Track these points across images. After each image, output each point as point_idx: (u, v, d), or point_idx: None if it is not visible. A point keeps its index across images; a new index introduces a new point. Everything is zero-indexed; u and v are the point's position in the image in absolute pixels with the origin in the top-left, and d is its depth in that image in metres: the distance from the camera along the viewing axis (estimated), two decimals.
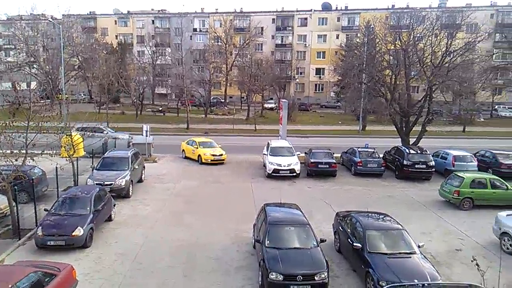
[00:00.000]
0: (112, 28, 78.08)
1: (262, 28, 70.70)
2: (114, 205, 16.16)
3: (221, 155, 26.32)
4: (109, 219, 15.56)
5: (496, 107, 60.89)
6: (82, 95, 59.98)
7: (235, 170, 24.62)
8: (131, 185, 18.98)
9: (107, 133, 31.92)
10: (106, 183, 17.74)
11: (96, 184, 17.32)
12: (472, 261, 9.65)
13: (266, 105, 60.05)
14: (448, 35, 27.05)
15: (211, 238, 14.16)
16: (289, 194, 19.36)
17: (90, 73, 53.82)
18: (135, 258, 12.62)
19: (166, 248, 13.38)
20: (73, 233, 12.70)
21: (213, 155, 26.10)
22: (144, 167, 22.37)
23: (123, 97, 61.80)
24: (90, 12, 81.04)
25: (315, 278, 10.09)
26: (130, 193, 18.82)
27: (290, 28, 73.71)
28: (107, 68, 46.16)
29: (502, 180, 18.63)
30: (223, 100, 67.71)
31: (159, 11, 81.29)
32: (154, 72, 62.79)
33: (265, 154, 24.66)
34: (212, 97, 63.59)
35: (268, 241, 11.12)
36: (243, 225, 15.01)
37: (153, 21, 77.06)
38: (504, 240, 13.60)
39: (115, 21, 78.92)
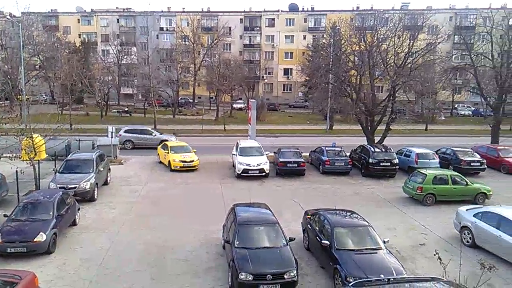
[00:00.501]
0: (75, 27, 75.67)
1: (230, 28, 70.57)
2: (79, 209, 15.66)
3: (192, 161, 24.30)
4: (74, 223, 15.07)
5: (456, 106, 63.48)
6: (44, 96, 57.74)
7: (204, 171, 24.43)
8: (96, 188, 18.46)
9: (155, 135, 32.31)
10: (69, 186, 17.18)
11: (59, 187, 16.73)
12: (434, 254, 10.05)
13: (235, 105, 60.01)
14: (410, 37, 27.95)
15: (179, 240, 13.99)
16: (258, 193, 19.38)
17: (52, 73, 52.01)
18: (101, 263, 12.29)
19: (134, 251, 13.10)
20: (35, 239, 12.21)
21: (183, 161, 24.11)
22: (109, 169, 21.82)
23: (87, 97, 60.05)
24: (51, 10, 78.27)
25: (285, 276, 10.17)
26: (95, 197, 18.30)
27: (258, 28, 73.99)
28: (70, 68, 44.66)
29: (462, 176, 19.45)
30: (191, 100, 67.08)
31: (124, 9, 79.54)
32: (119, 71, 61.34)
33: (234, 154, 24.62)
34: (180, 97, 62.88)
35: (237, 242, 11.11)
36: (212, 226, 14.91)
37: (118, 19, 75.26)
38: (464, 234, 14.19)
39: (78, 19, 76.51)
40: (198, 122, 45.56)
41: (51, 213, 13.29)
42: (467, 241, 13.95)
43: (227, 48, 71.33)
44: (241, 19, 74.12)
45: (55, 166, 20.93)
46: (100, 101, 51.18)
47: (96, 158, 19.85)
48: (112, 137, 26.37)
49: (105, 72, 55.35)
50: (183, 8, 76.10)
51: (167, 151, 25.13)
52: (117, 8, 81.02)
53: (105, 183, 20.69)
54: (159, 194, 19.66)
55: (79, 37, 72.28)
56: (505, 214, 13.14)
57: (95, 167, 19.02)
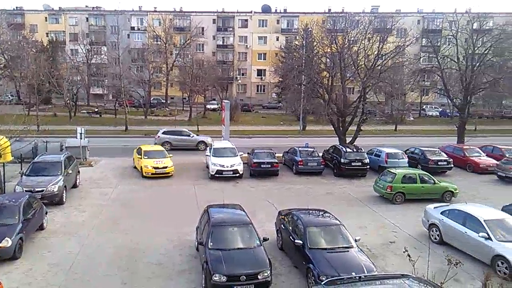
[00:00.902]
0: (42, 25, 73.19)
1: (202, 28, 70.13)
2: (46, 213, 15.16)
3: (166, 167, 22.71)
4: (41, 228, 14.59)
5: (424, 107, 65.46)
6: (9, 96, 55.69)
7: (177, 172, 24.13)
8: (64, 191, 17.93)
9: (192, 136, 32.51)
10: (36, 189, 16.62)
11: (26, 191, 16.18)
12: (404, 252, 10.32)
13: (208, 106, 59.68)
14: (379, 39, 28.58)
15: (152, 243, 13.77)
16: (232, 194, 19.37)
17: (18, 72, 50.13)
18: (70, 267, 11.94)
19: (104, 255, 12.80)
20: (0, 245, 11.74)
21: (156, 167, 22.44)
22: (79, 171, 21.24)
23: (55, 98, 58.21)
24: (16, 7, 75.43)
25: (258, 277, 10.20)
26: (64, 200, 17.78)
27: (231, 29, 73.89)
28: (37, 67, 43.17)
29: (429, 175, 20.06)
30: (164, 101, 66.23)
31: (93, 8, 77.66)
32: (89, 71, 59.95)
33: (208, 155, 24.49)
34: (152, 98, 61.97)
35: (211, 243, 11.05)
36: (185, 228, 14.76)
37: (87, 18, 73.36)
38: (432, 231, 14.62)
39: (46, 17, 74.04)
40: (171, 123, 45.01)
41: (17, 217, 12.82)
42: (435, 238, 14.39)
43: (200, 48, 70.85)
44: (214, 20, 73.81)
45: (21, 169, 20.17)
46: (68, 101, 49.77)
47: (65, 160, 19.30)
48: (81, 139, 25.67)
49: (74, 72, 53.91)
50: (155, 8, 75.03)
51: (140, 156, 23.66)
52: (86, 6, 78.97)
53: (74, 185, 20.15)
54: (130, 197, 19.30)
55: (47, 36, 69.93)
56: (470, 211, 13.64)
57: (63, 170, 18.48)
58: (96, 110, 55.01)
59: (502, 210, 14.89)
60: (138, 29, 72.86)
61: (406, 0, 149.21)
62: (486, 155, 27.26)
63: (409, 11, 71.03)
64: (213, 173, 22.64)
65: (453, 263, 9.93)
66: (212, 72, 57.44)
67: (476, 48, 33.07)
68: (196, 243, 12.66)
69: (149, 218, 16.29)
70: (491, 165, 25.48)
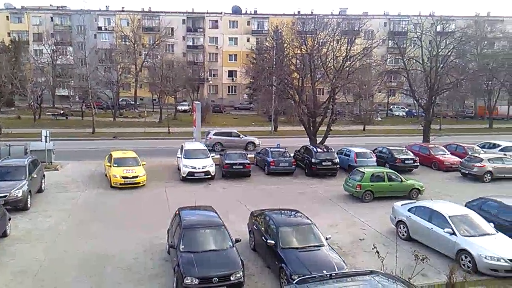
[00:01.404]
0: (4, 24, 70.29)
1: (172, 28, 69.42)
2: (10, 219, 14.56)
3: (136, 177, 20.92)
4: (4, 235, 13.98)
5: (391, 107, 67.31)
6: None
7: (148, 175, 23.61)
8: (29, 196, 17.26)
9: (242, 137, 32.49)
10: None
11: None
12: (373, 249, 10.60)
13: (179, 107, 59.00)
14: (348, 41, 29.18)
15: (121, 247, 13.46)
16: (204, 196, 19.25)
17: None
18: (35, 275, 11.51)
19: (72, 261, 12.42)
20: None
21: (125, 177, 20.73)
22: (44, 175, 20.52)
23: (19, 100, 56.13)
24: None
25: (231, 278, 10.18)
26: (29, 205, 17.11)
27: (201, 29, 73.46)
28: None
29: (397, 174, 20.63)
30: (133, 102, 65.03)
31: (58, 7, 75.27)
32: (54, 72, 57.93)
33: (179, 157, 24.22)
34: (121, 99, 60.77)
35: (182, 246, 10.92)
36: (156, 231, 14.54)
37: (51, 18, 71.16)
38: (400, 228, 15.03)
39: (7, 16, 71.22)
40: (141, 124, 44.30)
41: None
42: (403, 235, 14.79)
43: (169, 49, 70.02)
44: (183, 20, 73.20)
45: None
46: (32, 103, 48.04)
47: (29, 164, 18.58)
48: (46, 142, 24.82)
49: (38, 73, 52.14)
50: (123, 8, 73.59)
51: (109, 164, 21.81)
52: (50, 5, 76.36)
53: (40, 190, 19.44)
54: (99, 201, 18.82)
55: (9, 36, 67.23)
56: (436, 208, 14.11)
57: (27, 174, 17.80)
58: (62, 112, 53.39)
59: (466, 206, 15.48)
60: (106, 29, 71.35)
61: (373, 3, 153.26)
62: (450, 153, 28.29)
63: (376, 13, 72.97)
64: (185, 175, 22.41)
65: (420, 259, 10.27)
66: (182, 73, 56.92)
67: (439, 50, 34.29)
68: (168, 246, 12.50)
69: (119, 222, 15.94)
70: (455, 163, 26.45)
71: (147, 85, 59.44)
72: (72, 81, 59.01)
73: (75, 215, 16.79)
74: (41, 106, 51.73)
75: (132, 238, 14.27)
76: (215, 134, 33.47)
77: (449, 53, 34.14)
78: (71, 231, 14.96)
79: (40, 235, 14.46)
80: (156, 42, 64.41)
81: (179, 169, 23.68)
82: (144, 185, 21.14)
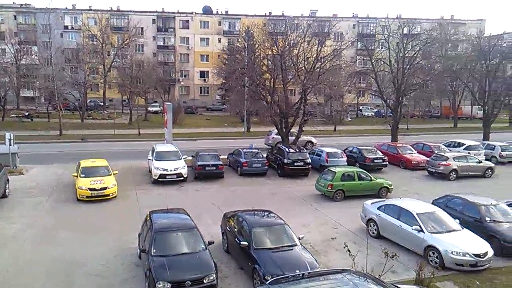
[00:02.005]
0: None
1: (142, 28, 68.18)
2: None
3: (105, 188, 18.91)
4: None
5: (361, 107, 68.75)
6: None
7: (118, 178, 23.11)
8: None
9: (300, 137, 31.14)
10: None
11: None
12: (344, 247, 10.77)
13: (150, 109, 58.16)
14: (318, 43, 29.57)
15: (91, 253, 13.11)
16: (176, 199, 19.04)
17: None
18: (0, 283, 11.04)
19: (39, 269, 11.99)
20: None
21: (92, 189, 18.65)
22: (8, 180, 19.68)
23: None
24: None
25: (204, 281, 10.11)
26: None
27: (172, 29, 72.62)
28: None
29: (366, 173, 21.09)
30: (101, 103, 63.48)
31: (22, 5, 72.30)
32: (18, 72, 55.76)
33: (150, 159, 23.84)
34: (89, 100, 59.24)
35: (154, 250, 10.76)
36: (127, 236, 14.27)
37: (15, 16, 68.52)
38: (370, 226, 15.36)
39: None
40: (110, 126, 43.28)
41: None
42: (373, 233, 15.12)
43: (139, 49, 68.83)
44: (153, 20, 72.13)
45: None
46: None
47: None
48: (10, 145, 23.86)
49: (1, 73, 49.99)
50: (90, 6, 71.67)
51: (76, 174, 19.93)
52: (13, 3, 73.42)
53: (3, 195, 18.67)
54: (66, 205, 18.25)
55: None
56: (404, 206, 14.50)
57: None
58: (26, 114, 51.50)
59: (432, 203, 15.97)
60: (72, 28, 69.42)
61: (342, 5, 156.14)
62: (417, 152, 29.16)
63: (345, 16, 74.18)
64: (156, 178, 22.08)
65: (389, 256, 10.53)
66: (153, 73, 56.08)
67: (406, 52, 35.29)
68: (139, 251, 12.26)
69: (87, 227, 15.51)
70: (422, 161, 27.28)
71: (116, 86, 58.14)
72: (38, 82, 56.90)
73: (41, 221, 16.22)
74: (5, 108, 49.70)
75: (101, 243, 13.93)
76: (277, 134, 34.33)
77: (415, 55, 35.19)
78: (37, 238, 14.44)
79: (4, 242, 13.90)
80: (125, 42, 63.10)
81: (150, 171, 23.30)
82: (115, 196, 19.25)
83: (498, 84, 39.15)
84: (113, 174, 20.32)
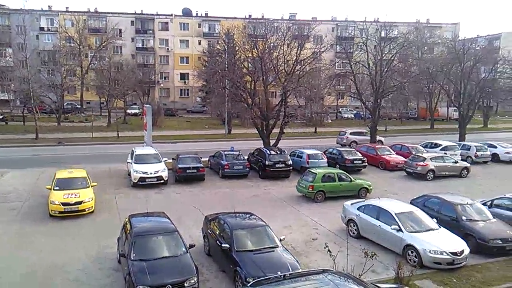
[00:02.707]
0: None
1: (120, 30, 67.39)
2: None
3: (80, 202, 16.88)
4: None
5: (340, 109, 69.53)
6: None
7: (96, 182, 22.67)
8: None
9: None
10: None
11: None
12: (325, 247, 10.85)
13: (129, 111, 57.39)
14: (298, 45, 29.79)
15: (68, 258, 12.82)
16: (157, 202, 18.83)
17: None
18: None
19: (15, 275, 11.65)
20: None
21: (65, 203, 16.64)
22: None
23: None
24: None
25: (185, 284, 10.01)
26: None
27: (151, 31, 71.97)
28: None
29: (346, 174, 21.31)
30: (79, 106, 62.28)
31: None
32: None
33: (129, 162, 23.49)
34: (66, 103, 58.06)
35: (134, 254, 10.59)
36: (105, 240, 14.01)
37: None
38: (350, 226, 15.52)
39: None
40: (88, 129, 42.47)
41: None
42: (353, 233, 15.29)
43: (118, 51, 67.97)
44: (132, 21, 71.34)
45: None
46: None
47: None
48: None
49: None
50: (67, 8, 70.24)
51: (49, 187, 17.97)
52: None
53: None
54: (43, 210, 17.70)
55: None
56: (383, 206, 14.70)
57: None
58: (1, 117, 50.02)
59: (410, 203, 16.27)
60: (48, 30, 68.00)
61: (321, 8, 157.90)
62: (396, 153, 29.67)
63: (324, 19, 75.03)
64: (136, 181, 21.78)
65: (369, 255, 10.65)
66: (131, 75, 55.40)
67: (383, 55, 35.92)
68: (118, 255, 12.06)
69: (65, 232, 15.16)
70: (400, 162, 27.77)
71: (94, 88, 57.19)
72: (12, 84, 55.54)
73: (18, 226, 15.78)
74: None
75: (80, 248, 13.65)
76: (352, 133, 38.51)
77: (393, 58, 35.84)
78: (13, 244, 14.03)
79: None
80: (103, 44, 62.18)
81: (129, 175, 22.97)
82: (92, 211, 17.33)
83: (473, 86, 40.25)
84: (92, 186, 18.41)
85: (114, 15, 69.86)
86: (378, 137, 36.94)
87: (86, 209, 17.09)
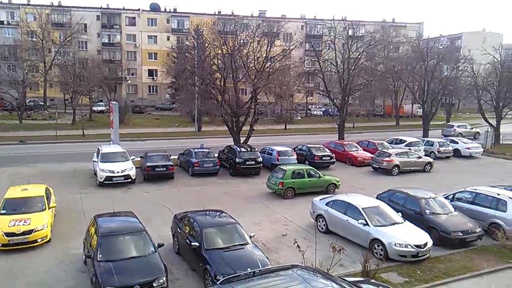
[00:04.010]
0: None
1: (85, 24, 65.40)
2: None
3: (31, 232, 13.17)
4: None
5: (310, 107, 70.37)
6: None
7: (60, 181, 22.05)
8: None
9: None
10: None
11: None
12: (294, 243, 10.98)
13: (95, 108, 55.83)
14: (267, 43, 29.86)
15: (32, 261, 12.39)
16: (124, 202, 18.43)
17: None
18: None
19: None
20: None
21: (10, 233, 13.00)
22: None
23: None
24: None
25: (154, 284, 9.89)
26: None
27: (117, 26, 70.27)
28: None
29: (315, 170, 21.63)
30: (42, 103, 60.05)
31: None
32: None
33: (95, 161, 22.88)
34: (28, 100, 55.73)
35: (100, 255, 10.36)
36: (71, 241, 13.62)
37: None
38: (319, 221, 15.76)
39: None
40: (51, 127, 40.96)
41: None
42: (322, 228, 15.52)
43: (83, 46, 65.95)
44: (98, 16, 69.45)
45: None
46: None
47: None
48: None
49: None
50: (28, 1, 67.44)
51: None
52: None
53: None
54: None
55: None
56: (350, 201, 15.02)
57: None
58: None
59: (377, 198, 16.70)
60: (9, 24, 65.28)
61: (291, 6, 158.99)
62: (363, 149, 30.36)
63: (294, 17, 75.57)
64: (102, 180, 21.25)
65: (337, 250, 10.87)
66: (97, 71, 53.89)
67: (351, 53, 36.55)
68: (84, 256, 11.76)
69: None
70: (367, 158, 28.44)
71: (58, 85, 55.34)
72: None
73: None
74: None
75: (44, 250, 13.22)
76: (459, 126, 44.09)
77: (360, 56, 36.54)
78: None
79: None
80: (68, 39, 60.05)
81: (95, 174, 22.37)
82: (48, 241, 13.75)
83: (436, 84, 41.71)
84: (49, 208, 14.85)
85: (79, 9, 67.70)
86: (476, 129, 44.29)
87: (39, 239, 13.33)
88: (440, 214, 15.01)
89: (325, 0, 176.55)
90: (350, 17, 60.79)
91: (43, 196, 15.21)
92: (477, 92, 41.45)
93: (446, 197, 16.87)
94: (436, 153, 31.50)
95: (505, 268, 12.69)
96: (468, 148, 32.71)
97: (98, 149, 23.72)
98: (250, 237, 12.17)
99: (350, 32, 40.31)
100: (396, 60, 52.35)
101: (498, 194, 15.71)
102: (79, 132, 39.74)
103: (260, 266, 10.33)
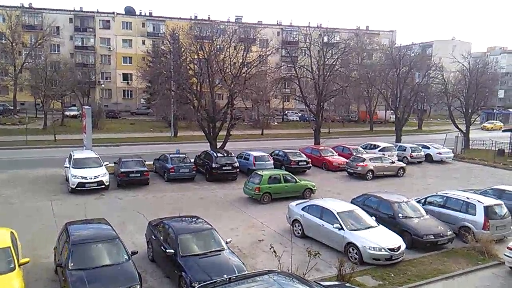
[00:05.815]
0: None
1: (58, 27, 63.87)
2: None
3: None
4: None
5: (286, 112, 70.83)
6: None
7: (31, 187, 21.40)
8: None
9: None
10: None
11: None
12: (270, 248, 10.98)
13: (67, 113, 54.39)
14: (244, 48, 29.97)
15: None
16: (97, 208, 18.02)
17: None
18: None
19: None
20: None
21: None
22: None
23: None
24: None
25: None
26: None
27: (91, 29, 69.01)
28: None
29: (292, 175, 21.73)
30: (12, 107, 58.12)
31: None
32: None
33: (67, 167, 22.28)
34: None
35: (71, 263, 10.05)
36: (41, 250, 13.18)
37: None
38: (295, 226, 15.84)
39: None
40: (22, 132, 39.63)
41: None
42: (298, 233, 15.60)
43: (55, 49, 64.42)
44: (70, 19, 68.07)
45: None
46: None
47: None
48: None
49: None
50: None
51: None
52: None
53: None
54: None
55: None
56: (326, 206, 15.18)
57: None
58: None
59: (351, 202, 16.92)
60: None
61: (267, 12, 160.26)
62: (338, 154, 30.75)
63: (270, 23, 76.11)
64: (74, 186, 20.70)
65: (312, 254, 10.94)
66: (70, 75, 52.63)
67: (326, 59, 37.10)
68: (55, 265, 11.39)
69: None
70: (342, 163, 28.82)
71: (29, 88, 53.57)
72: None
73: None
74: None
75: None
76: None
77: (335, 63, 37.13)
78: None
79: None
80: (39, 41, 58.54)
81: (67, 180, 21.78)
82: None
83: (408, 91, 42.80)
84: (20, 265, 10.17)
85: (51, 12, 66.18)
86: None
87: None
88: (412, 217, 15.35)
89: (301, 7, 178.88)
90: (325, 24, 61.45)
91: (10, 247, 10.36)
92: (447, 99, 42.83)
93: (418, 201, 17.28)
94: (409, 158, 32.25)
95: (475, 270, 13.09)
96: (439, 153, 33.65)
97: (70, 154, 23.13)
98: (227, 243, 12.09)
99: (325, 39, 40.90)
100: (370, 67, 53.45)
101: (468, 198, 16.21)
102: (50, 137, 38.66)
103: (237, 272, 10.28)
